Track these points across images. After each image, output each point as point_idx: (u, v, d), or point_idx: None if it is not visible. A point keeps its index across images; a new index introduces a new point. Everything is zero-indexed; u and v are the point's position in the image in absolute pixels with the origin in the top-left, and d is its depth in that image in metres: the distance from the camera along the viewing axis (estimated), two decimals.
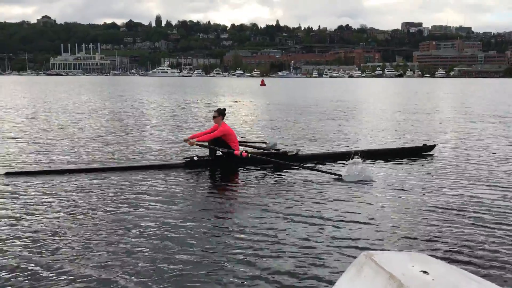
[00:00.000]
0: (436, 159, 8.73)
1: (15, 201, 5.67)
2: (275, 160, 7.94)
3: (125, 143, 10.48)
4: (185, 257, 4.00)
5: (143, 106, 21.98)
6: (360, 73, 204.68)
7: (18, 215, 5.12)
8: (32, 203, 5.56)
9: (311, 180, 6.98)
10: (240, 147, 8.26)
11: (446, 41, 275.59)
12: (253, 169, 7.81)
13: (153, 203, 5.61)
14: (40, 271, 3.70)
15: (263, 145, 9.14)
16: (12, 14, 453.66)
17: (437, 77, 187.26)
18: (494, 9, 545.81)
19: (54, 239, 4.38)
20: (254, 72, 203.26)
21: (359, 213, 5.28)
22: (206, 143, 8.05)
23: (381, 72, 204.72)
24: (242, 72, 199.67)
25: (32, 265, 3.82)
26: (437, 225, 4.91)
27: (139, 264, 3.85)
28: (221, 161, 8.06)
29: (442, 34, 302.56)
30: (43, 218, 5.00)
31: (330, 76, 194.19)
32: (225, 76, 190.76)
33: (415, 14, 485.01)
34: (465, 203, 5.73)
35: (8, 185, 6.46)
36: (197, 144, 8.03)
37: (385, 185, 6.67)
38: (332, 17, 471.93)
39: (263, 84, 55.17)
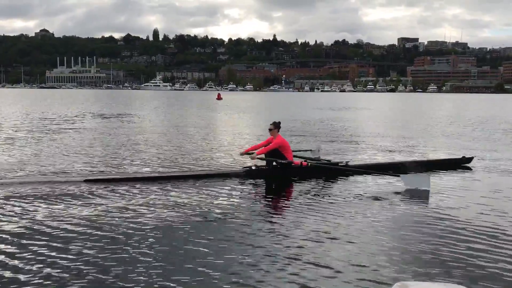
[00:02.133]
0: (475, 172, 9.12)
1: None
2: (330, 167, 8.58)
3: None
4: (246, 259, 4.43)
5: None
6: (351, 88, 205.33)
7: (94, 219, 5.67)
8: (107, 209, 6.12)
9: (361, 195, 7.16)
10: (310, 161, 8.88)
11: (441, 57, 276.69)
12: (306, 180, 8.17)
13: (222, 210, 6.15)
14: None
15: (308, 152, 9.77)
16: (14, 27, 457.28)
17: (429, 92, 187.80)
18: (491, 25, 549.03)
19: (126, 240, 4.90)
20: (247, 86, 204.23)
21: (398, 236, 5.16)
22: (263, 155, 8.56)
23: (372, 87, 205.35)
24: (234, 86, 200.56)
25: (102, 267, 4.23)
26: (477, 251, 4.66)
27: (210, 265, 4.29)
28: (278, 171, 8.46)
29: (438, 50, 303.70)
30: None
31: (322, 91, 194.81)
32: (217, 90, 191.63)
33: (414, 30, 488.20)
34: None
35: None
36: (258, 158, 8.49)
37: (427, 202, 6.70)
38: (331, 32, 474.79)
39: (219, 98, 55.60)
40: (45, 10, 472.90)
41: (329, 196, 7.03)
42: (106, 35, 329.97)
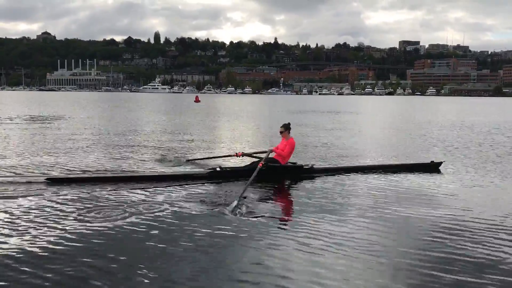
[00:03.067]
0: (442, 176, 9.21)
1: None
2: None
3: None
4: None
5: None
6: (350, 91, 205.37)
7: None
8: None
9: (324, 196, 7.27)
10: (250, 158, 9.34)
11: (442, 60, 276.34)
12: (272, 181, 8.25)
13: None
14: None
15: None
16: (18, 30, 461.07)
17: (427, 95, 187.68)
18: (494, 28, 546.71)
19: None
20: (246, 89, 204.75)
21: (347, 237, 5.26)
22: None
23: (371, 90, 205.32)
24: (233, 88, 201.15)
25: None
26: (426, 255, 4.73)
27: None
28: (243, 173, 8.42)
29: (439, 53, 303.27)
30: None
31: (320, 94, 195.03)
32: (216, 93, 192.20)
33: (416, 33, 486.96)
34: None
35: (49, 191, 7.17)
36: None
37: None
38: (334, 35, 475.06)
39: (197, 100, 55.97)
40: (48, 13, 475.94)
41: (287, 197, 7.46)
42: (108, 38, 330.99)
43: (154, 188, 7.48)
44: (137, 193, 7.14)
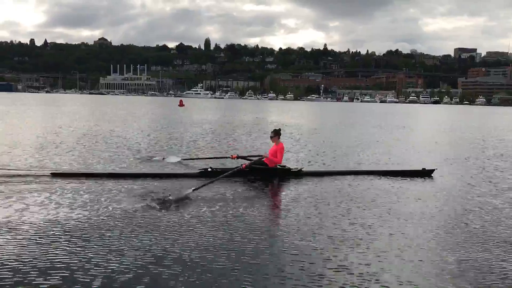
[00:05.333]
0: (432, 183, 9.56)
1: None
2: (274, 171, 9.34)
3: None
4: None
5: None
6: (393, 98, 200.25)
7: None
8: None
9: (310, 196, 7.82)
10: (244, 161, 9.84)
11: (498, 68, 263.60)
12: (262, 181, 8.89)
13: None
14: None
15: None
16: (81, 36, 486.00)
17: (476, 104, 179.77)
18: None
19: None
20: (287, 95, 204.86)
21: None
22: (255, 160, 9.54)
23: (415, 98, 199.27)
24: (274, 95, 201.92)
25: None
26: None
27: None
28: (234, 174, 8.87)
29: (496, 61, 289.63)
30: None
31: (361, 101, 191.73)
32: (258, 99, 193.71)
33: (476, 40, 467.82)
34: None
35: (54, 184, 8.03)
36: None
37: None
38: (389, 42, 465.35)
39: (181, 104, 56.83)
40: (109, 20, 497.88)
41: (273, 196, 8.09)
42: (161, 44, 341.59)
43: (149, 185, 8.25)
44: (131, 189, 7.90)
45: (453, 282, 4.45)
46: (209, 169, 9.06)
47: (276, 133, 9.35)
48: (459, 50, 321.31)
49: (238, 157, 10.01)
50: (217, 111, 50.35)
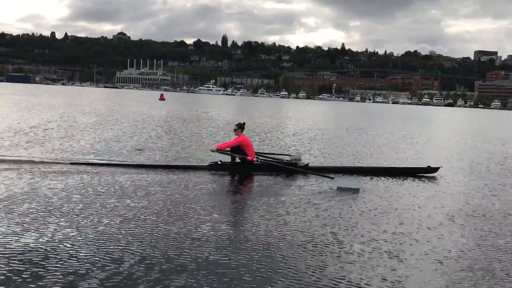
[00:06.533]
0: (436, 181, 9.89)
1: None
2: (281, 166, 9.75)
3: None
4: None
5: None
6: (406, 100, 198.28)
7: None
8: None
9: (313, 190, 8.29)
10: (261, 157, 10.17)
11: None
12: (266, 175, 9.51)
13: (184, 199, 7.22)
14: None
15: (287, 157, 10.82)
16: (103, 30, 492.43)
17: (491, 108, 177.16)
18: None
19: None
20: (300, 94, 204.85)
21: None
22: (227, 150, 9.76)
23: (429, 100, 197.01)
24: (286, 93, 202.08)
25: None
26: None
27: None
28: (240, 166, 9.77)
29: None
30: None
31: (373, 102, 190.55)
32: (270, 97, 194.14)
33: (501, 43, 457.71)
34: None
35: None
36: (218, 151, 9.73)
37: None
38: (409, 42, 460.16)
39: (162, 98, 57.93)
40: (131, 15, 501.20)
41: (279, 193, 8.18)
42: (179, 39, 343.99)
43: (162, 175, 8.92)
44: (145, 179, 8.51)
45: (453, 281, 4.57)
46: (219, 162, 9.63)
47: (240, 126, 9.87)
48: (479, 53, 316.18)
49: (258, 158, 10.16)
50: (191, 106, 50.51)
